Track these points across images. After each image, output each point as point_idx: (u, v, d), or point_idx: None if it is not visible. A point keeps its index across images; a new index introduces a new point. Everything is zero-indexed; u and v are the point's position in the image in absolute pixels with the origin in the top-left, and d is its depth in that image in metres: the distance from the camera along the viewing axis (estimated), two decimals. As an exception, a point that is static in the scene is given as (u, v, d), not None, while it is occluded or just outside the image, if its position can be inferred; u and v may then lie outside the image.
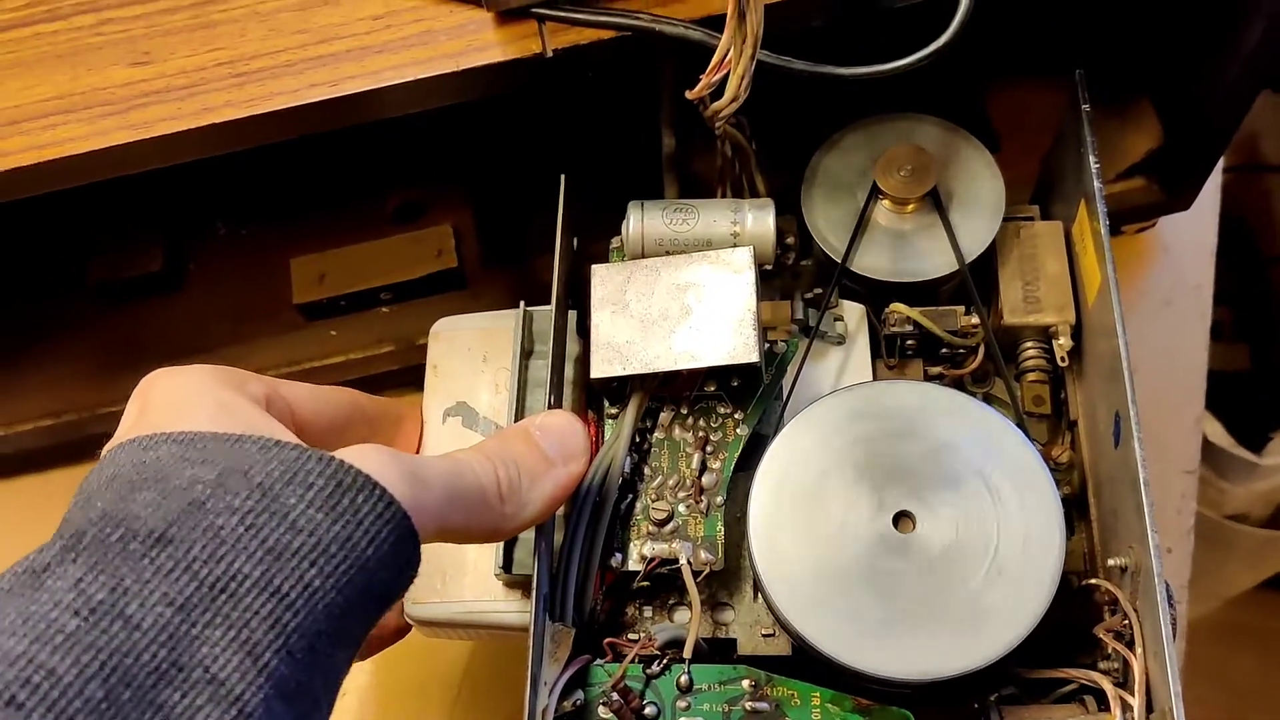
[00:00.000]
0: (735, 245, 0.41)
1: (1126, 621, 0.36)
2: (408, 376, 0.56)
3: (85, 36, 0.41)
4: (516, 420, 0.42)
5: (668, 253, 0.41)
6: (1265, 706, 0.93)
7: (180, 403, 0.29)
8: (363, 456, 0.28)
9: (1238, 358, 0.94)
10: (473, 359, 0.45)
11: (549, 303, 0.43)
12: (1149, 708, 0.34)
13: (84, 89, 0.40)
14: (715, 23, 0.37)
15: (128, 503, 0.26)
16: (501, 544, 0.39)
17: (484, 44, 0.38)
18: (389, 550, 0.27)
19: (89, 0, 0.42)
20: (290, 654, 0.25)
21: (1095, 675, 0.36)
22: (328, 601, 0.26)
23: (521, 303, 0.44)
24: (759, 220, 0.41)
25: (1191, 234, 0.56)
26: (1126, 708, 0.34)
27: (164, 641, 0.24)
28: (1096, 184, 0.41)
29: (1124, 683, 0.36)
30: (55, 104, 0.40)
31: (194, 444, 0.27)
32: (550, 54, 0.38)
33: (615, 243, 0.44)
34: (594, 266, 0.42)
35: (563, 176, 0.42)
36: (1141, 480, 0.35)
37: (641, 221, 0.42)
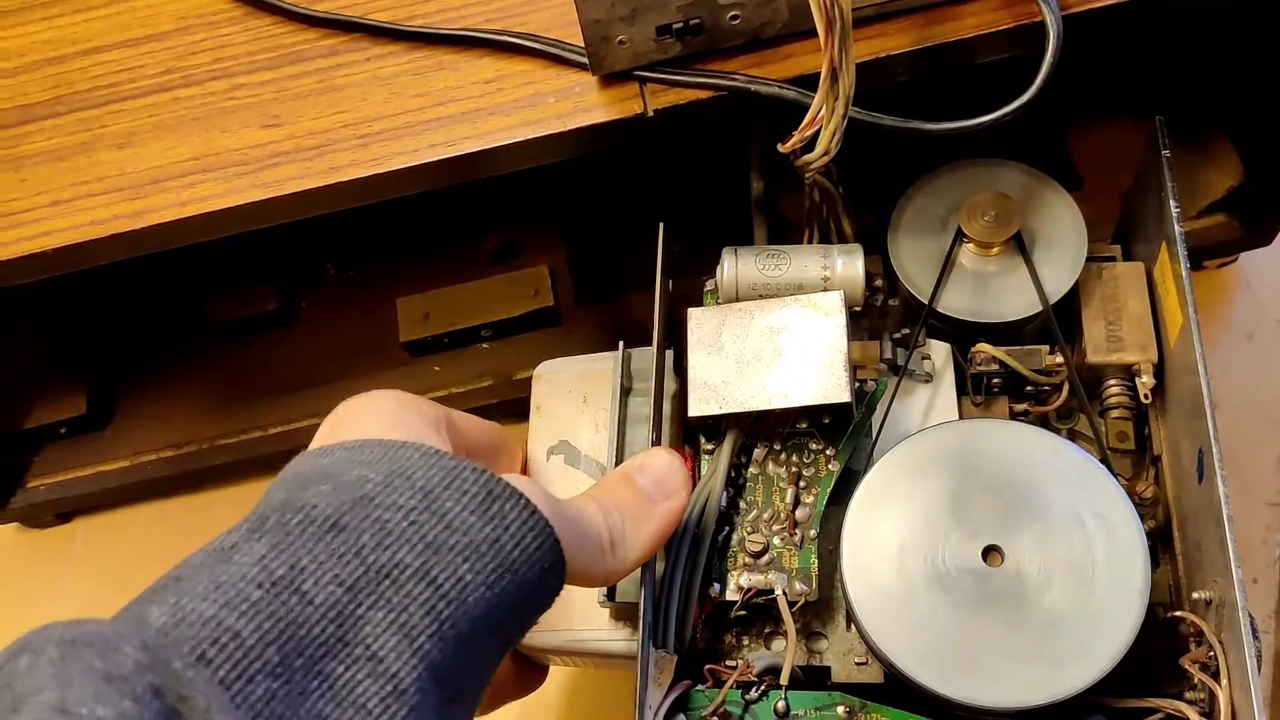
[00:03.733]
0: (826, 289, 0.43)
1: (1212, 653, 0.37)
2: (506, 409, 0.59)
3: (219, 101, 0.44)
4: (617, 454, 0.44)
5: (760, 296, 0.43)
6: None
7: (360, 418, 0.32)
8: (516, 479, 0.31)
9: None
10: (574, 400, 0.47)
11: (643, 341, 0.45)
12: (1235, 738, 0.35)
13: (219, 150, 0.43)
14: (806, 81, 0.40)
15: (305, 493, 0.28)
16: (606, 573, 0.41)
17: (590, 105, 0.41)
18: (534, 556, 0.29)
19: (221, 67, 0.45)
20: (443, 640, 0.27)
21: (1181, 706, 0.37)
22: (477, 596, 0.28)
23: (620, 344, 0.46)
24: (848, 265, 0.43)
25: (1273, 268, 0.56)
26: (1212, 738, 0.35)
27: (333, 618, 0.26)
28: (1177, 228, 0.42)
29: (1210, 713, 0.37)
30: (193, 164, 0.43)
31: (364, 448, 0.30)
32: (651, 114, 0.40)
33: (709, 285, 0.46)
34: (690, 310, 0.44)
35: (661, 225, 0.44)
36: (1225, 516, 0.36)
37: (735, 267, 0.44)
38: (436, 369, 0.59)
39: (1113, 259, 0.46)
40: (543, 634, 0.43)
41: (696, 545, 0.41)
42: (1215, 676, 0.36)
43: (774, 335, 0.42)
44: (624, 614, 0.42)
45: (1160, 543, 0.42)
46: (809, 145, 0.40)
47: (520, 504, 0.30)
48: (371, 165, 0.42)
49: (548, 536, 0.30)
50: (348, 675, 0.26)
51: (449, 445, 0.33)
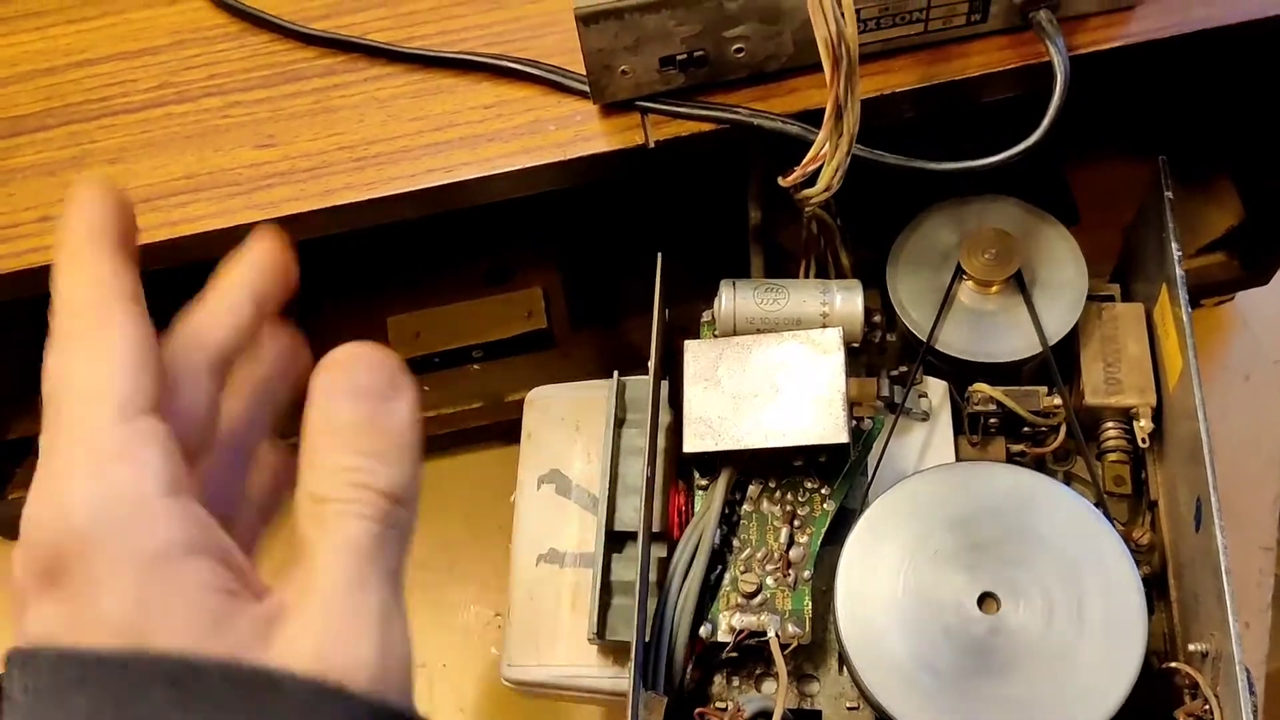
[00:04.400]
0: (824, 325, 0.42)
1: (1207, 707, 0.37)
2: (497, 431, 0.58)
3: (213, 119, 0.44)
4: (610, 486, 0.43)
5: (758, 330, 0.43)
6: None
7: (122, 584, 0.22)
8: (335, 654, 0.22)
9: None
10: (566, 428, 0.47)
11: (637, 367, 0.45)
12: (1230, 794, 0.35)
13: (212, 169, 0.42)
14: (810, 116, 0.39)
15: None
16: (596, 610, 0.41)
17: (590, 134, 0.40)
18: None
19: (216, 84, 0.45)
20: None
21: (1176, 759, 0.37)
22: None
23: (615, 373, 0.46)
24: (847, 301, 0.42)
25: (1270, 307, 0.56)
26: (1208, 794, 0.35)
27: None
28: (1179, 270, 0.42)
29: (1204, 767, 0.37)
30: (185, 183, 0.42)
31: (193, 690, 0.21)
32: (653, 145, 0.40)
33: (706, 316, 0.46)
34: (687, 343, 0.43)
35: (659, 256, 0.44)
36: (1223, 569, 0.36)
37: (734, 300, 0.43)
38: (426, 389, 0.58)
39: (1111, 298, 0.46)
40: (530, 669, 0.42)
41: (687, 583, 0.41)
42: (1211, 731, 0.36)
43: (771, 371, 0.41)
44: (613, 651, 0.42)
45: (1155, 589, 0.42)
46: (810, 180, 0.40)
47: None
48: (367, 189, 0.41)
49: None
50: None
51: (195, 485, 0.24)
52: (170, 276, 0.44)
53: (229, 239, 0.42)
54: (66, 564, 0.23)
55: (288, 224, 0.41)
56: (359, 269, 0.62)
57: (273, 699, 0.21)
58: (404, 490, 0.25)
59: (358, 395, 0.25)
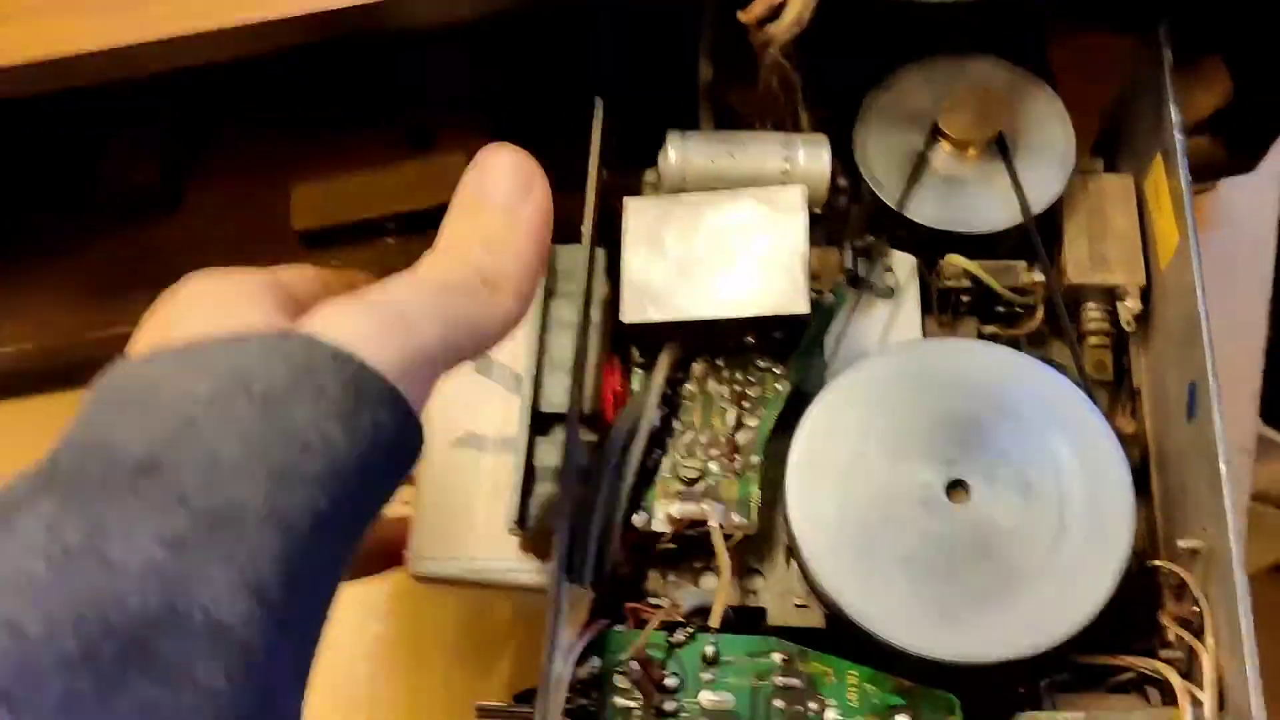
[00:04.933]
0: (785, 183, 0.37)
1: (1196, 609, 0.33)
2: (415, 313, 0.53)
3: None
4: (537, 363, 0.39)
5: (709, 188, 0.38)
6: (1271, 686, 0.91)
7: (180, 313, 0.26)
8: (347, 321, 0.25)
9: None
10: (490, 297, 0.41)
11: (574, 239, 0.40)
12: (1220, 704, 0.32)
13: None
14: (777, -65, 0.34)
15: (111, 427, 0.23)
16: (516, 497, 0.36)
17: (520, -54, 0.35)
18: (402, 459, 0.25)
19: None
20: (296, 588, 0.22)
21: (1160, 665, 0.33)
22: (335, 530, 0.23)
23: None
24: (813, 157, 0.38)
25: (1254, 198, 0.53)
26: (1196, 703, 0.32)
27: (155, 585, 0.21)
28: (1178, 137, 0.38)
29: (1189, 674, 0.33)
30: None
31: (188, 353, 0.24)
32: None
33: (649, 176, 0.41)
34: (627, 199, 0.38)
35: (598, 99, 0.39)
36: (1221, 456, 0.33)
37: (683, 153, 0.38)
38: (335, 263, 0.53)
39: (1095, 172, 0.42)
40: (442, 562, 0.38)
41: (622, 469, 0.36)
42: (1199, 635, 0.33)
43: (723, 233, 0.37)
44: (535, 542, 0.37)
45: (1135, 484, 0.38)
46: (775, 13, 0.35)
47: (396, 407, 0.24)
48: (259, 8, 0.35)
49: (417, 429, 0.25)
50: (182, 650, 0.20)
51: (288, 318, 0.26)
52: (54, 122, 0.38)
53: (103, 62, 0.36)
54: None
55: (170, 46, 0.36)
56: (262, 130, 0.56)
57: (256, 339, 0.24)
58: (502, 278, 0.28)
59: (491, 197, 0.30)
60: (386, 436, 0.24)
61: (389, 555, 0.40)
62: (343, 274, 0.35)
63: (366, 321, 0.25)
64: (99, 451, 0.22)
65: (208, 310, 0.26)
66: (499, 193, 0.30)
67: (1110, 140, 0.44)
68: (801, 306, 0.35)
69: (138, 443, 0.22)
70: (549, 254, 0.32)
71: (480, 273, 0.28)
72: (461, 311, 0.27)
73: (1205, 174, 0.52)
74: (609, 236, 0.40)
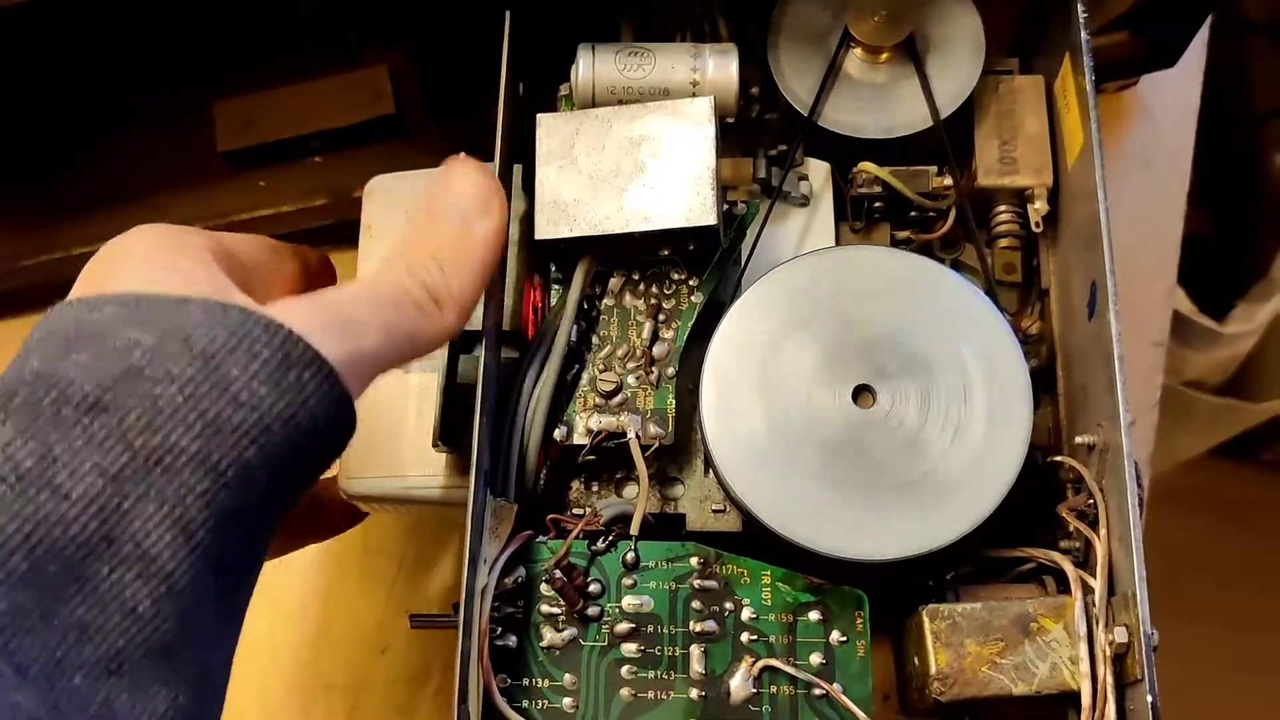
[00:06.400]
0: (695, 94, 0.37)
1: (1091, 501, 0.34)
2: (343, 232, 0.52)
3: None
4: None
5: (620, 101, 0.38)
6: (1202, 569, 0.95)
7: (125, 265, 0.28)
8: (294, 314, 0.26)
9: (1201, 222, 0.92)
10: (409, 217, 0.41)
11: (492, 157, 0.40)
12: (1110, 590, 0.33)
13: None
14: None
15: (62, 363, 0.25)
16: (438, 415, 0.37)
17: None
18: (329, 428, 0.26)
19: None
20: (222, 530, 0.24)
21: (1055, 555, 0.35)
22: (264, 479, 0.25)
23: (461, 155, 0.41)
24: (721, 67, 0.38)
25: (1174, 94, 0.53)
26: (1087, 589, 0.33)
27: (94, 513, 0.23)
28: (1084, 35, 0.38)
29: (1084, 563, 0.35)
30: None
31: (135, 305, 0.26)
32: None
33: (564, 90, 0.41)
34: (540, 116, 0.38)
35: (507, 13, 0.38)
36: (1115, 355, 0.34)
37: (592, 66, 0.38)
38: (262, 184, 0.53)
39: (1009, 73, 0.42)
40: (369, 480, 0.39)
41: (541, 384, 0.37)
42: (1093, 525, 0.34)
43: (634, 147, 0.37)
44: (462, 460, 0.38)
45: (1042, 383, 0.40)
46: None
47: (320, 372, 0.26)
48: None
49: (345, 403, 0.26)
50: (113, 577, 0.23)
51: (227, 280, 0.28)
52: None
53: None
54: None
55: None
56: (180, 48, 0.55)
57: (199, 303, 0.26)
58: (446, 296, 0.29)
59: (449, 211, 0.31)
60: (313, 401, 0.25)
61: (354, 514, 0.41)
62: (295, 247, 0.36)
63: (316, 317, 0.27)
64: (51, 386, 0.24)
65: (154, 265, 0.27)
66: (457, 208, 0.31)
67: (1024, 39, 0.44)
68: (710, 219, 0.36)
69: (89, 382, 0.24)
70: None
71: (426, 288, 0.29)
72: (404, 325, 0.29)
73: (1126, 70, 0.52)
74: (530, 153, 0.39)
